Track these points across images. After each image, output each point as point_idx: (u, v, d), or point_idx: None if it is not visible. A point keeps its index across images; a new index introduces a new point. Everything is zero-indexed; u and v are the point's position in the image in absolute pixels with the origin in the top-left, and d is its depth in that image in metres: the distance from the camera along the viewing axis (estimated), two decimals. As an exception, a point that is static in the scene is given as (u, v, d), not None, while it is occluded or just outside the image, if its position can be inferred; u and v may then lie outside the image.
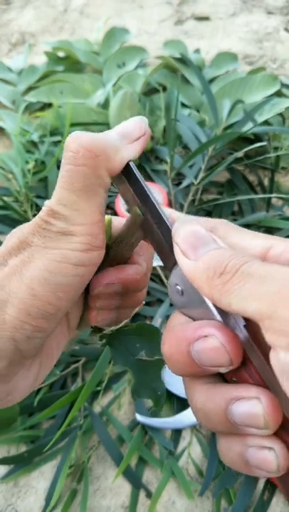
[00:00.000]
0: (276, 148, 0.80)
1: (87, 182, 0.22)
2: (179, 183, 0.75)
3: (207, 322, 0.20)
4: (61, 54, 1.01)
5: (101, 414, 0.53)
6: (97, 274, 0.25)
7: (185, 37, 1.12)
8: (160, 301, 0.62)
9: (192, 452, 0.51)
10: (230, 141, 0.73)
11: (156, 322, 0.59)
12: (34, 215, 0.50)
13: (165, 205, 0.70)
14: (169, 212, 0.25)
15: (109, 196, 0.48)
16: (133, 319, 0.59)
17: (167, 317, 0.60)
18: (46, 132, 0.82)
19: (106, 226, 0.25)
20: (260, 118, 0.77)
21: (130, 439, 0.51)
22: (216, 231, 0.22)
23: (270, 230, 0.69)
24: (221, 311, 0.20)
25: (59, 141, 0.82)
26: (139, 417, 0.52)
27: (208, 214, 0.72)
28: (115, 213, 0.71)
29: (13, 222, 0.70)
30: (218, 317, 0.20)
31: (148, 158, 0.79)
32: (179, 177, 0.76)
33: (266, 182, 0.77)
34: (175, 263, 0.22)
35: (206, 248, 0.20)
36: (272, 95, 0.83)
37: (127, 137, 0.24)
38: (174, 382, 0.53)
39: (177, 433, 0.52)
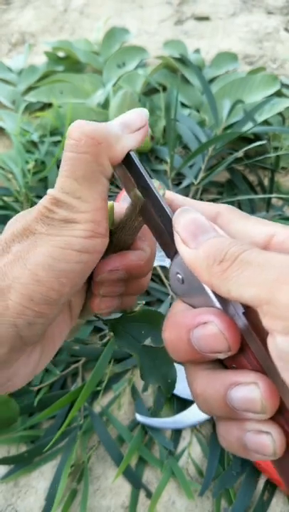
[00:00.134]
0: (276, 148, 0.80)
1: (89, 170, 0.22)
2: (179, 183, 0.75)
3: (206, 309, 0.20)
4: (61, 54, 1.01)
5: (101, 414, 0.53)
6: (100, 260, 0.25)
7: (185, 37, 1.12)
8: (160, 301, 0.62)
9: (192, 452, 0.51)
10: (230, 141, 0.73)
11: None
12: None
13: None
14: (169, 195, 0.25)
15: (109, 196, 0.48)
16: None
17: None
18: (46, 132, 0.82)
19: (108, 212, 0.25)
20: (260, 118, 0.77)
21: (130, 439, 0.51)
22: (220, 216, 0.23)
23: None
24: (220, 298, 0.20)
25: (59, 141, 0.82)
26: (139, 417, 0.52)
27: (208, 214, 0.72)
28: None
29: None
30: (218, 304, 0.20)
31: (148, 158, 0.79)
32: (179, 177, 0.76)
33: (266, 182, 0.77)
34: (176, 252, 0.22)
35: (206, 236, 0.20)
36: (272, 95, 0.83)
37: (128, 127, 0.24)
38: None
39: (177, 433, 0.52)
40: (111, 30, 1.03)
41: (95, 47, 1.03)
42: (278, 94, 0.85)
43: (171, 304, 0.60)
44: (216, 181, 0.77)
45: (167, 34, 1.13)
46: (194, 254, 0.20)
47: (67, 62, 1.00)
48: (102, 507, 0.48)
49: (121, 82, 0.89)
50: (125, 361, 0.57)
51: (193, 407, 0.52)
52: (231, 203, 0.72)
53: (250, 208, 0.72)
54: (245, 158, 0.77)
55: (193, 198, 0.72)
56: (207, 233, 0.20)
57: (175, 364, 0.29)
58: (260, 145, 0.71)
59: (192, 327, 0.20)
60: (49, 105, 0.91)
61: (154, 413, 0.53)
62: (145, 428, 0.52)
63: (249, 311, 0.19)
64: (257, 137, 0.79)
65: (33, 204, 0.73)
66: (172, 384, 0.28)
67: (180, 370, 0.28)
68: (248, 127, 0.74)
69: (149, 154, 0.79)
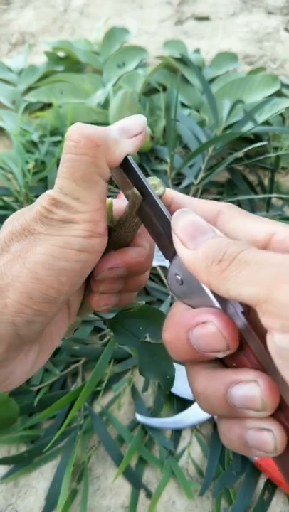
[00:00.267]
0: (276, 148, 0.80)
1: (87, 171, 0.22)
2: (179, 183, 0.75)
3: (205, 309, 0.20)
4: (61, 54, 1.01)
5: (101, 414, 0.53)
6: (100, 258, 0.25)
7: (185, 37, 1.12)
8: (160, 301, 0.62)
9: (192, 452, 0.51)
10: (230, 141, 0.73)
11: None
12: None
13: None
14: (170, 193, 0.25)
15: (109, 196, 0.48)
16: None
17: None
18: (46, 132, 0.82)
19: (107, 209, 0.25)
20: (260, 118, 0.77)
21: (130, 439, 0.51)
22: (221, 214, 0.23)
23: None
24: (219, 298, 0.20)
25: (59, 141, 0.82)
26: (139, 417, 0.52)
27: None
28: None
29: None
30: (217, 304, 0.20)
31: (148, 158, 0.79)
32: (179, 177, 0.76)
33: (266, 182, 0.77)
34: (174, 253, 0.22)
35: (205, 237, 0.21)
36: (272, 95, 0.84)
37: (126, 132, 0.24)
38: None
39: (177, 433, 0.52)
40: (111, 30, 1.03)
41: (95, 47, 1.03)
42: (278, 94, 0.85)
43: (171, 304, 0.60)
44: (216, 181, 0.77)
45: (167, 34, 1.13)
46: (193, 254, 0.20)
47: (67, 62, 1.00)
48: (102, 507, 0.48)
49: (121, 82, 0.89)
50: (125, 361, 0.57)
51: (193, 407, 0.52)
52: (231, 203, 0.72)
53: (251, 208, 0.72)
54: (245, 158, 0.78)
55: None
56: (205, 234, 0.21)
57: (175, 364, 0.29)
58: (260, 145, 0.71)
59: (191, 327, 0.20)
60: (49, 105, 0.91)
61: (154, 413, 0.53)
62: (145, 428, 0.52)
63: (248, 310, 0.20)
64: (257, 137, 0.79)
65: (33, 204, 0.73)
66: (171, 380, 0.28)
67: (180, 369, 0.28)
68: (248, 127, 0.74)
69: (149, 154, 0.79)
